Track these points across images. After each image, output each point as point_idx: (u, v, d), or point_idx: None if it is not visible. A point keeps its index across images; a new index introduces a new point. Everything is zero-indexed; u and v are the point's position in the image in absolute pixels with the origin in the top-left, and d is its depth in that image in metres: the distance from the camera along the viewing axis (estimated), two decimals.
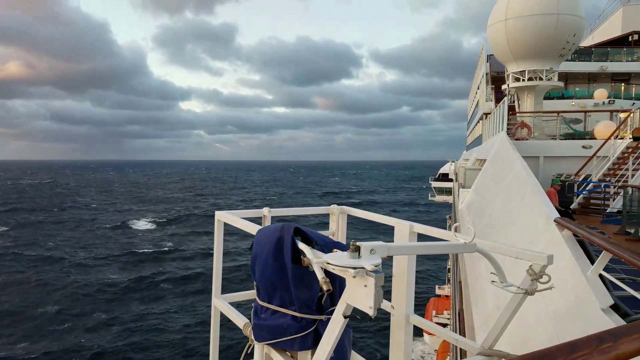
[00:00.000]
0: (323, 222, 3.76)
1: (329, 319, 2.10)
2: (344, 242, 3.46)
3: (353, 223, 4.19)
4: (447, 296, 24.89)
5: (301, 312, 2.46)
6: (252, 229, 2.88)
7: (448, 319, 21.36)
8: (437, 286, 28.24)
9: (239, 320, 2.98)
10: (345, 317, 1.92)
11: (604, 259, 3.62)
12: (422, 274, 35.58)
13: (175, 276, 36.11)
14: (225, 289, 3.50)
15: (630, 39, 28.86)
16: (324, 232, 3.48)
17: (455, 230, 2.48)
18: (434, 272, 37.17)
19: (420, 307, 24.65)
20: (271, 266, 2.47)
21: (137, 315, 27.91)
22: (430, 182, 55.36)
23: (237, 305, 3.34)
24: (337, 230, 3.76)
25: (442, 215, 53.80)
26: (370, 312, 1.69)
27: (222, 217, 3.35)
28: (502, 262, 2.33)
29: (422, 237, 2.90)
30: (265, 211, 3.48)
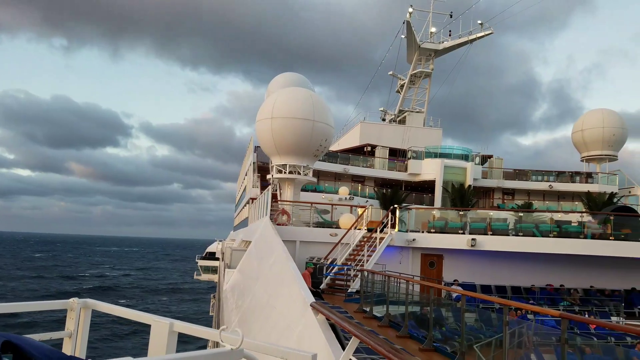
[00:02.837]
0: (60, 318, 2.91)
1: None
2: (84, 349, 2.83)
3: (99, 320, 3.41)
4: None
5: None
6: None
7: None
8: None
9: None
10: None
11: (353, 344, 4.01)
12: None
13: None
14: None
15: (365, 149, 35.94)
16: (58, 334, 2.79)
17: (221, 332, 2.15)
18: None
19: None
20: None
21: None
22: (196, 260, 54.20)
23: None
24: (76, 330, 2.88)
25: (207, 296, 52.47)
26: None
27: None
28: None
29: (183, 337, 2.67)
30: None
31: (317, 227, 19.75)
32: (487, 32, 39.19)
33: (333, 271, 16.75)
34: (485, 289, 18.64)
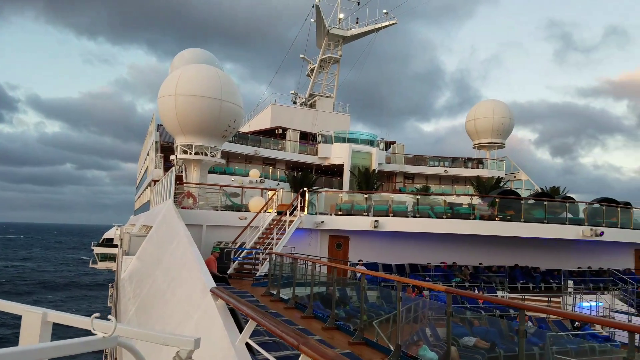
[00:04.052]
0: None
1: None
2: None
3: None
4: None
5: None
6: None
7: None
8: None
9: None
10: None
11: (250, 327, 3.92)
12: None
13: None
14: None
15: (276, 132, 35.70)
16: None
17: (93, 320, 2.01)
18: None
19: None
20: None
21: None
22: (92, 247, 50.56)
23: None
24: None
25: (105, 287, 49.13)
26: None
27: None
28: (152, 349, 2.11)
29: (59, 328, 2.37)
30: None
31: (225, 210, 19.28)
32: (391, 22, 40.58)
33: (241, 255, 16.50)
34: (387, 267, 19.63)
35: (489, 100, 38.76)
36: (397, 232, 19.75)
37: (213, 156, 20.28)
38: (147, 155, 35.16)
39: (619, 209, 21.45)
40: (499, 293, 18.13)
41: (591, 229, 19.20)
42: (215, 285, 5.62)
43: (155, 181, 24.07)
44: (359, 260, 18.84)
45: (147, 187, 30.83)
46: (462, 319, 9.04)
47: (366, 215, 19.70)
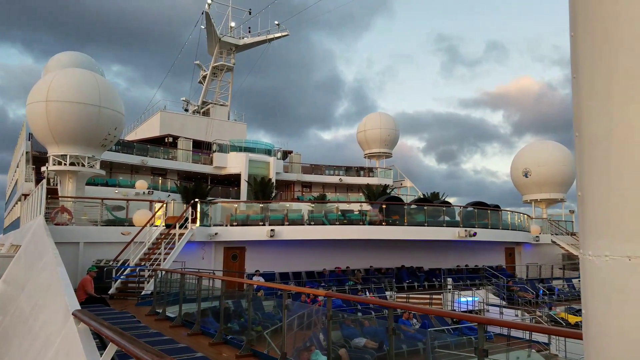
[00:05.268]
0: None
1: None
2: None
3: None
4: None
5: None
6: None
7: None
8: None
9: None
10: None
11: (110, 350, 3.57)
12: None
13: None
14: None
15: (166, 140, 33.95)
16: None
17: None
18: None
19: None
20: None
21: None
22: None
23: None
24: None
25: None
26: None
27: None
28: None
29: None
30: None
31: (107, 225, 17.77)
32: (283, 34, 41.19)
33: (124, 273, 15.27)
34: (284, 276, 19.60)
35: (376, 113, 41.14)
36: (293, 240, 19.85)
37: (91, 167, 18.62)
38: (17, 166, 31.28)
39: (489, 211, 23.88)
40: (388, 293, 19.04)
41: (465, 230, 21.09)
42: (79, 308, 5.05)
43: (25, 195, 21.54)
44: (256, 271, 18.56)
45: (17, 202, 27.39)
46: (354, 320, 9.26)
47: (262, 225, 19.51)
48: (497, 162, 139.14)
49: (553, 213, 33.16)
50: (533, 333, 11.77)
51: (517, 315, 17.75)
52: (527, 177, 31.38)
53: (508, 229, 24.63)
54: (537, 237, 27.22)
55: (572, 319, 17.41)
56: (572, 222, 32.02)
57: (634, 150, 1.40)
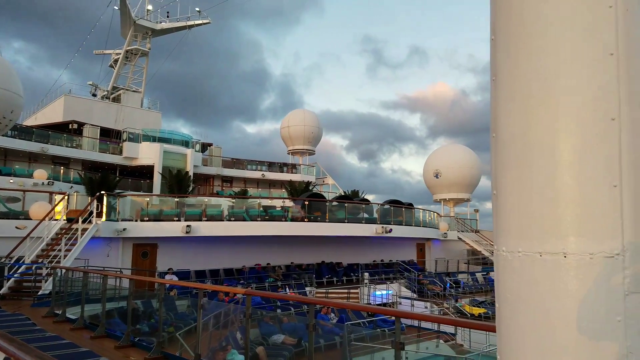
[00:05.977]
0: None
1: None
2: None
3: None
4: None
5: None
6: None
7: None
8: None
9: None
10: None
11: None
12: None
13: None
14: None
15: (70, 127, 31.24)
16: None
17: None
18: None
19: None
20: None
21: None
22: None
23: None
24: None
25: None
26: None
27: None
28: None
29: None
30: None
31: None
32: (204, 21, 39.84)
33: (19, 271, 13.82)
34: (200, 274, 18.93)
35: (300, 110, 41.24)
36: (211, 237, 19.24)
37: None
38: None
39: (403, 209, 25.00)
40: (307, 289, 19.18)
41: (382, 227, 21.89)
42: None
43: None
44: (169, 269, 17.71)
45: None
46: (273, 317, 9.15)
47: (177, 221, 18.67)
48: (413, 163, 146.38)
49: (459, 212, 35.62)
50: (441, 324, 12.53)
51: (426, 307, 18.77)
52: (437, 177, 33.35)
53: (420, 226, 25.99)
54: (445, 233, 29.02)
55: (476, 311, 18.79)
56: (477, 220, 34.65)
57: (545, 150, 1.44)
